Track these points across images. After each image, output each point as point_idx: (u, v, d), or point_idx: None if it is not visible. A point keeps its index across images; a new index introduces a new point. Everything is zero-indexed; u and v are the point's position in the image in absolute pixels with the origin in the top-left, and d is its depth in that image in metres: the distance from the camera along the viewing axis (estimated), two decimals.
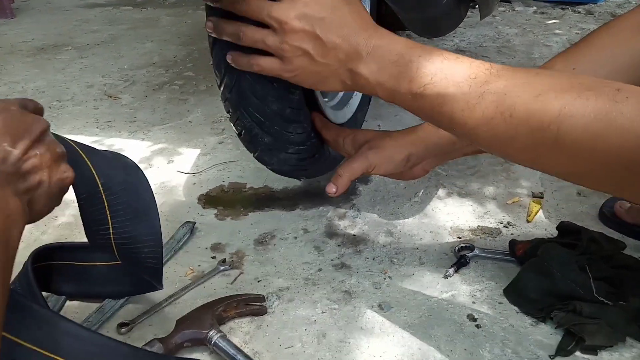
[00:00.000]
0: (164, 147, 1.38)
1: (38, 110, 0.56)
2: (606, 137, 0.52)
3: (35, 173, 0.51)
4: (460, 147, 0.86)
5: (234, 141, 1.36)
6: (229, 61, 0.74)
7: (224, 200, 1.15)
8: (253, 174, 1.23)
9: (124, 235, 0.66)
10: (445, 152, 0.87)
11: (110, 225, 0.64)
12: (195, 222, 1.04)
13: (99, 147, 1.35)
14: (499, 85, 0.58)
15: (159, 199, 1.14)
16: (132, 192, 0.68)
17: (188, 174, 1.25)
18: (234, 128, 0.88)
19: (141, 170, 0.74)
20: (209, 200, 1.15)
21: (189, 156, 1.33)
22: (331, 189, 0.84)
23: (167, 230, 1.01)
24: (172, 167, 1.28)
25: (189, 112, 1.58)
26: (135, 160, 1.30)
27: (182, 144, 1.39)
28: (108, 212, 0.64)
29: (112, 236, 0.66)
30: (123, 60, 2.03)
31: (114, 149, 1.39)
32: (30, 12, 2.84)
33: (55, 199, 0.56)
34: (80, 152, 0.63)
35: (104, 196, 0.63)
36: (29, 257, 0.75)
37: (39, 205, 0.53)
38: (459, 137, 0.69)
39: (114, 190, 0.64)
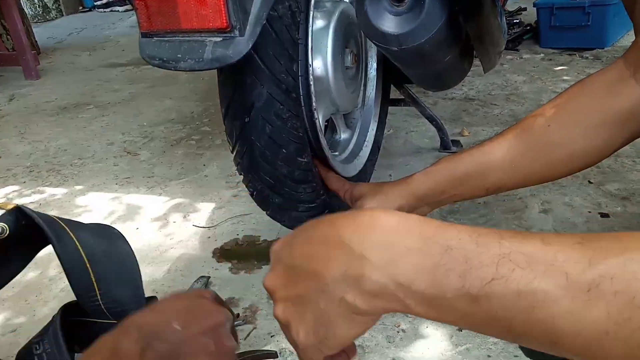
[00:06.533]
0: (180, 201, 1.42)
1: (228, 308, 0.57)
2: None
3: (190, 357, 0.48)
4: (449, 195, 0.88)
5: (248, 194, 1.39)
6: None
7: (239, 253, 1.17)
8: (267, 226, 1.25)
9: (111, 299, 0.70)
10: (436, 201, 0.90)
11: (97, 292, 0.68)
12: (209, 277, 1.06)
13: (118, 204, 1.43)
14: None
15: (175, 254, 1.17)
16: (114, 260, 0.72)
17: (203, 227, 1.28)
18: (246, 188, 0.92)
19: (125, 239, 0.78)
20: (223, 253, 1.17)
21: (204, 210, 1.36)
22: None
23: (182, 285, 1.03)
24: (188, 222, 1.31)
25: (205, 167, 1.62)
26: (153, 216, 1.36)
27: (198, 198, 1.43)
28: (94, 280, 0.67)
29: (100, 302, 0.69)
30: (142, 118, 2.10)
31: (133, 204, 1.43)
32: (55, 72, 2.98)
33: None
34: (66, 228, 0.67)
35: (88, 266, 0.67)
36: (58, 311, 0.77)
37: None
38: None
39: (97, 259, 0.68)
